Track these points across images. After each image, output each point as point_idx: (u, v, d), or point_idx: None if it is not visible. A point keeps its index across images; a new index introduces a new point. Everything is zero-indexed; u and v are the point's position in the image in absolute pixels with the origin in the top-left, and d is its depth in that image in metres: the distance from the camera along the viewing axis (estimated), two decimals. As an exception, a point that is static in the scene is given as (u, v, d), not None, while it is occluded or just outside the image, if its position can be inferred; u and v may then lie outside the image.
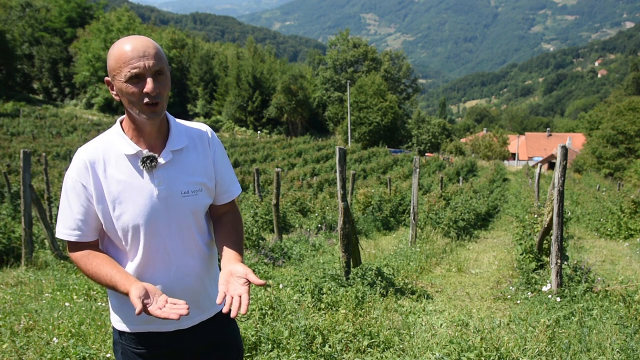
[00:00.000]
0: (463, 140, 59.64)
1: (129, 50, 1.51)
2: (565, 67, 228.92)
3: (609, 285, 4.93)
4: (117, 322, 1.70)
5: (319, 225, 11.46)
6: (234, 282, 1.53)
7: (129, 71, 1.50)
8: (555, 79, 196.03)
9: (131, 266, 1.62)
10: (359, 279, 5.10)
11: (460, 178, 25.89)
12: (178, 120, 1.72)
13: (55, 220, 11.28)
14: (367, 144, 45.70)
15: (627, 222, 11.40)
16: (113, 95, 1.60)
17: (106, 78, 1.60)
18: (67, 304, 4.59)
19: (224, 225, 1.78)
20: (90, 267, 1.59)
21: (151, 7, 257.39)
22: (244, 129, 51.51)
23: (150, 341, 1.68)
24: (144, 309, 1.43)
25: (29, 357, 3.25)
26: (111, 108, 49.90)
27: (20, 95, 49.50)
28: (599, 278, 5.21)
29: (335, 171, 5.69)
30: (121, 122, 1.66)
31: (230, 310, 1.45)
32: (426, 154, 46.44)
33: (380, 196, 14.13)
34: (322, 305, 4.26)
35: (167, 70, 1.58)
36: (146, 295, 1.46)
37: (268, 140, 41.81)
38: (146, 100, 1.52)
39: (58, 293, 5.12)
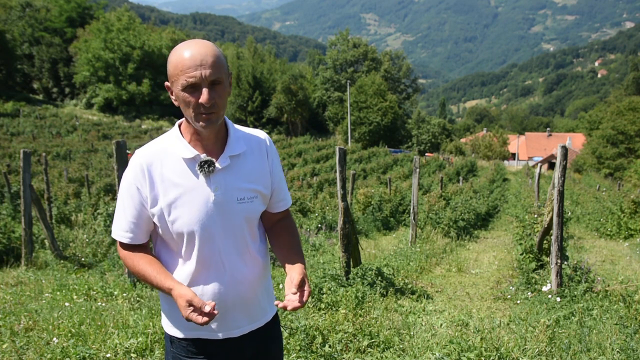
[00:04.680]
0: (463, 140, 59.60)
1: (187, 58, 1.49)
2: (565, 67, 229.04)
3: (609, 285, 4.93)
4: (169, 327, 1.70)
5: (319, 225, 11.47)
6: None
7: (186, 80, 1.49)
8: (555, 79, 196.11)
9: (185, 270, 1.62)
10: (359, 279, 5.10)
11: (460, 178, 25.87)
12: (236, 126, 1.71)
13: (55, 221, 11.30)
14: (367, 144, 45.65)
15: (627, 222, 11.40)
16: (172, 100, 1.59)
17: (166, 83, 1.60)
18: (67, 304, 4.58)
19: (280, 232, 1.79)
20: (135, 263, 1.61)
21: (151, 7, 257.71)
22: (244, 129, 51.50)
23: (200, 349, 1.68)
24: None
25: (29, 357, 3.24)
26: (111, 108, 49.85)
27: (20, 95, 49.44)
28: (599, 278, 5.20)
29: (335, 171, 5.68)
30: (179, 126, 1.65)
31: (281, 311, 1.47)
32: (426, 154, 46.36)
33: (380, 196, 14.13)
34: (322, 305, 4.26)
35: (227, 78, 1.56)
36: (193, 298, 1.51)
37: (268, 140, 41.71)
38: (201, 109, 1.52)
39: (58, 293, 5.12)
